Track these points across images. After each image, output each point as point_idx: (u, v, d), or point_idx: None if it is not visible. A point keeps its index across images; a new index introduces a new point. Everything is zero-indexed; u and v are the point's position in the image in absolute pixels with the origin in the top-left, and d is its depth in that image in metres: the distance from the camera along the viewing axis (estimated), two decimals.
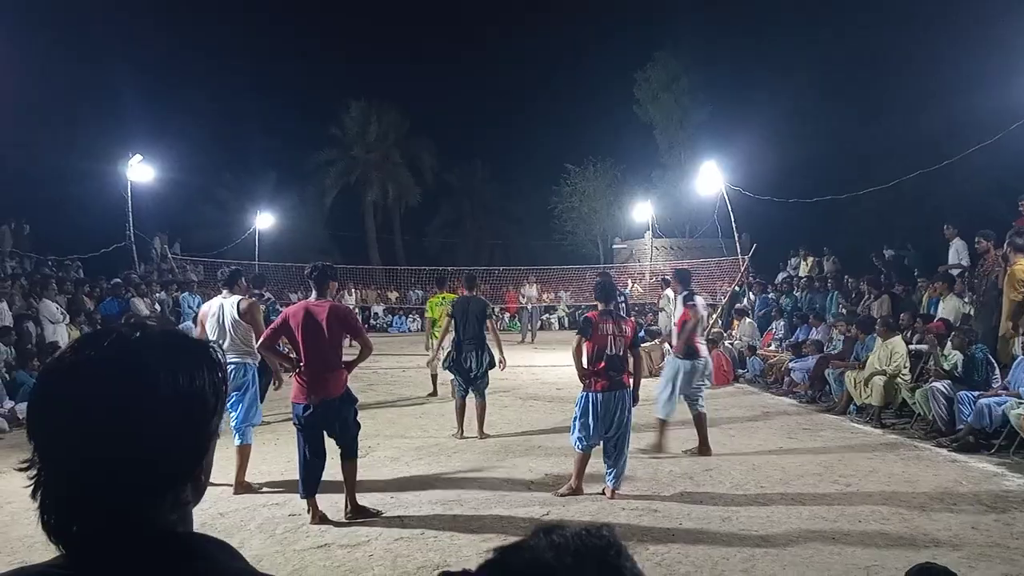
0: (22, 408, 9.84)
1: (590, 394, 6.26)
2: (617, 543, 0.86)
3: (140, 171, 19.33)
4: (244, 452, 6.57)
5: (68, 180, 22.68)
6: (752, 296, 17.37)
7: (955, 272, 11.73)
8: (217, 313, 6.82)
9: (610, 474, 6.28)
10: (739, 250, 18.43)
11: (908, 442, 8.36)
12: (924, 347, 9.71)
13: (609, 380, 6.23)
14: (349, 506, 5.74)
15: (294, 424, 5.71)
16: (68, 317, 12.91)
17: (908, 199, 18.34)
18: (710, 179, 19.07)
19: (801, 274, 16.94)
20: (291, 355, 5.77)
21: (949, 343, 8.99)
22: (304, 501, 5.67)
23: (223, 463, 5.78)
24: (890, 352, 9.43)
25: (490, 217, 39.85)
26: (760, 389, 12.64)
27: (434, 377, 11.81)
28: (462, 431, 8.73)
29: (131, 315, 13.75)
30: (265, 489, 6.53)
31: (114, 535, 0.96)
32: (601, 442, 6.28)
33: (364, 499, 5.90)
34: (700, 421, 7.86)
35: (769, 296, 16.65)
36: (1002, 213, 11.20)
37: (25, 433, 0.99)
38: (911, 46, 23.11)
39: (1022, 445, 7.37)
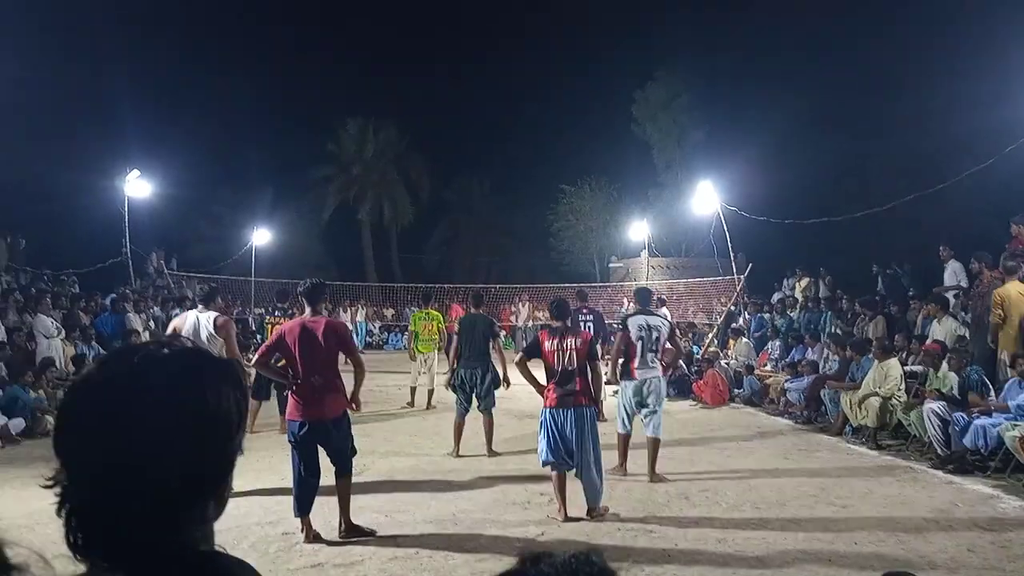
0: (16, 424, 9.78)
1: (544, 410, 6.30)
2: (608, 570, 0.86)
3: (137, 186, 19.33)
4: None
5: (65, 194, 22.68)
6: (748, 316, 17.38)
7: (951, 293, 11.76)
8: (192, 327, 6.98)
9: (587, 493, 6.20)
10: (735, 270, 18.45)
11: (904, 463, 8.35)
12: (919, 368, 9.73)
13: (558, 396, 6.20)
14: (343, 525, 5.71)
15: (289, 441, 5.70)
16: (64, 332, 12.87)
17: (904, 220, 18.37)
18: (706, 199, 19.13)
19: (797, 295, 16.97)
20: (286, 371, 5.77)
21: (945, 364, 9.00)
22: (298, 520, 5.65)
23: None
24: (885, 374, 9.43)
25: (487, 234, 39.87)
26: (756, 409, 12.62)
27: (413, 389, 12.49)
28: (458, 450, 8.71)
29: (129, 331, 13.74)
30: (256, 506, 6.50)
31: (140, 552, 0.96)
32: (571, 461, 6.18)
33: (358, 518, 5.87)
34: (650, 446, 7.57)
35: (765, 316, 16.66)
36: (997, 235, 11.24)
37: (52, 448, 1.00)
38: (906, 68, 23.32)
39: (1017, 466, 7.36)
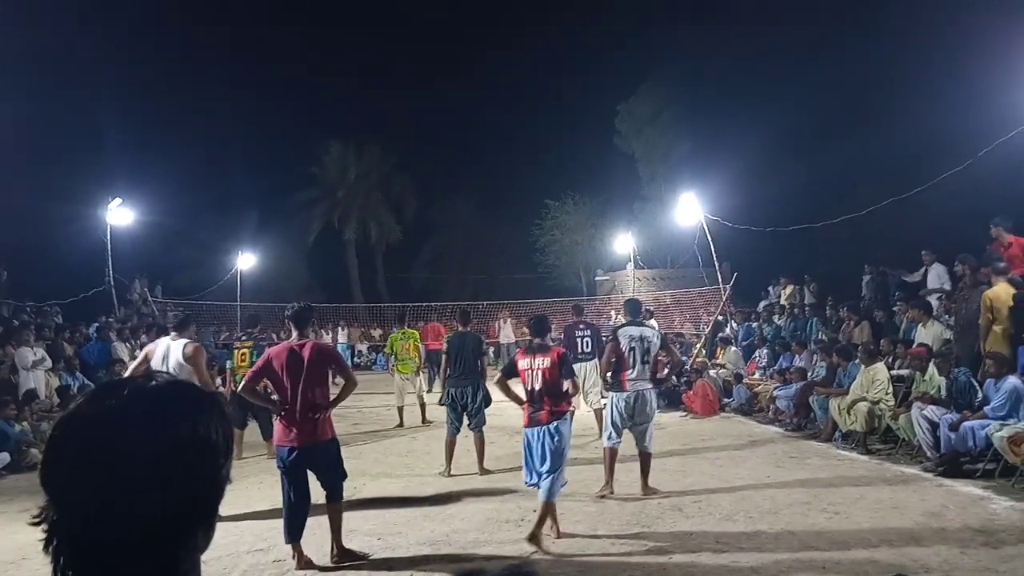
0: (1, 459, 9.66)
1: (524, 429, 6.33)
2: None
3: (120, 214, 19.22)
4: None
5: (47, 224, 22.49)
6: (735, 325, 17.44)
7: (935, 296, 11.85)
8: (163, 354, 7.03)
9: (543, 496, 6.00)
10: (720, 279, 18.53)
11: (894, 468, 8.37)
12: (906, 372, 9.78)
13: (529, 415, 6.21)
14: (335, 550, 5.65)
15: (278, 467, 5.64)
16: (50, 362, 12.75)
17: (885, 224, 18.52)
18: (689, 210, 19.21)
19: (782, 302, 17.05)
20: (274, 396, 5.73)
21: (932, 367, 9.06)
22: (289, 546, 5.59)
23: None
24: (872, 378, 9.48)
25: (474, 251, 39.86)
26: (746, 418, 12.64)
27: (400, 409, 12.51)
28: (450, 469, 8.67)
29: (115, 360, 13.63)
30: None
31: None
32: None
33: (351, 542, 5.82)
34: (641, 460, 7.55)
35: (752, 325, 16.73)
36: (978, 238, 11.34)
37: (40, 483, 0.99)
38: (886, 73, 23.62)
39: (1007, 468, 7.39)
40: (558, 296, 27.81)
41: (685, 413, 13.19)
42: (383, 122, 39.74)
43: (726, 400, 13.66)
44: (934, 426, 8.22)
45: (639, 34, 37.00)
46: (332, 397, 5.78)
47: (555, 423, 6.09)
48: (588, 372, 10.47)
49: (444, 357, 9.28)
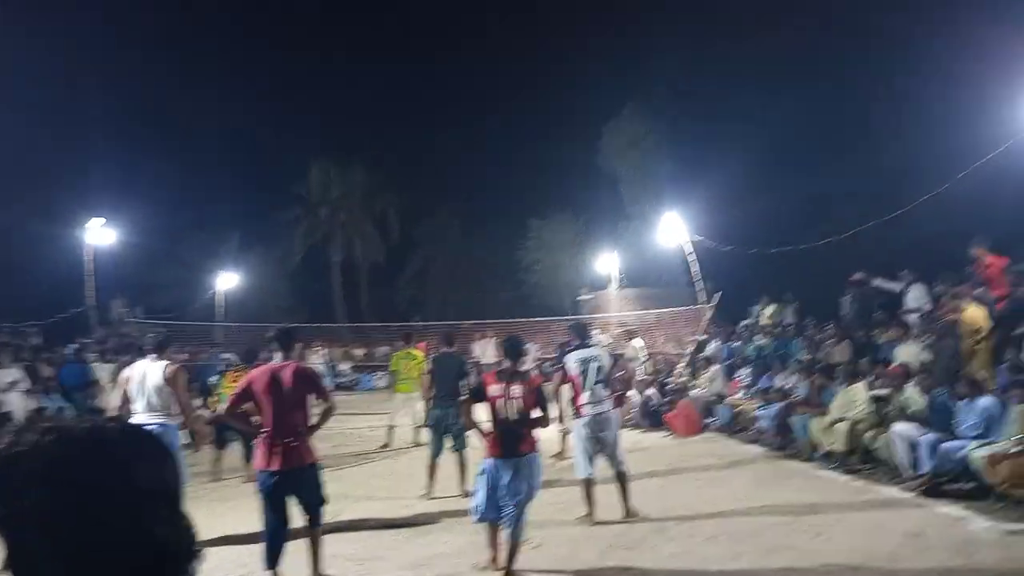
0: None
1: (485, 460, 5.88)
2: None
3: (101, 234, 19.12)
4: None
5: (26, 244, 22.35)
6: (718, 344, 17.49)
7: (914, 316, 11.95)
8: (141, 377, 7.01)
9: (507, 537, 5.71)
10: (702, 299, 18.62)
11: (874, 488, 8.39)
12: (885, 392, 9.84)
13: (502, 447, 5.73)
14: None
15: (258, 491, 5.59)
16: (29, 383, 12.63)
17: (867, 245, 18.75)
18: (672, 229, 19.33)
19: (763, 322, 17.13)
20: (254, 420, 5.70)
21: (912, 387, 9.12)
22: (268, 573, 5.53)
23: None
24: (851, 398, 9.53)
25: (458, 270, 39.85)
26: (729, 437, 12.64)
27: (391, 428, 12.36)
28: (432, 490, 8.62)
29: (93, 381, 13.50)
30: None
31: None
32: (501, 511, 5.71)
33: (331, 567, 5.77)
34: (619, 482, 7.41)
35: (734, 344, 16.78)
36: (957, 258, 11.52)
37: None
38: (870, 94, 24.02)
39: (983, 488, 7.43)
40: (543, 315, 27.81)
41: (667, 433, 13.19)
42: (367, 142, 39.75)
43: (708, 420, 13.66)
44: (912, 446, 8.26)
45: (623, 57, 37.33)
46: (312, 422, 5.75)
47: (533, 453, 5.84)
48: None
49: (427, 378, 9.25)
